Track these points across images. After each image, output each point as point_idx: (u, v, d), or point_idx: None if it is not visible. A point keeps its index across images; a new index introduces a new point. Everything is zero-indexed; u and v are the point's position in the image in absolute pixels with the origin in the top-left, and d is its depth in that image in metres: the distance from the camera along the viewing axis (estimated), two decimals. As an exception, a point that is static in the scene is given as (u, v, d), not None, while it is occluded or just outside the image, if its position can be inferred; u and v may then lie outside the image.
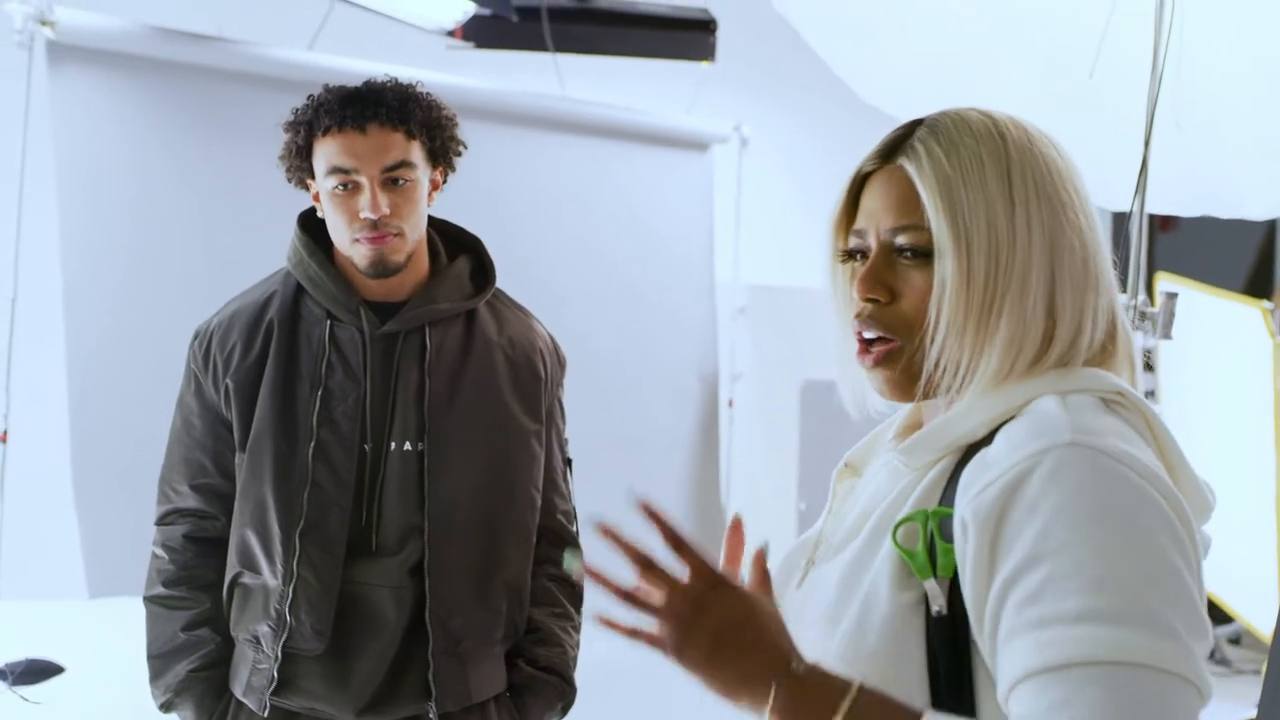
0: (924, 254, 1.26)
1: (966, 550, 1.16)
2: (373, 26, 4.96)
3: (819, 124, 7.01)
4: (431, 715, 2.28)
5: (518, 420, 2.37)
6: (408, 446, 2.28)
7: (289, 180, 2.35)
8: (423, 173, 2.30)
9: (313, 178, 2.30)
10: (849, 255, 1.33)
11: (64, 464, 4.22)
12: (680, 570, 1.20)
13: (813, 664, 1.17)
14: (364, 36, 5.05)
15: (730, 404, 6.33)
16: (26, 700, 3.37)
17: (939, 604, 1.18)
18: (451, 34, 5.17)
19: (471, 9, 5.05)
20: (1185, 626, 1.10)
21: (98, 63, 4.32)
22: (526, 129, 5.47)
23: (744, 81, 6.72)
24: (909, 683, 1.19)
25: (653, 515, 1.19)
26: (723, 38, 5.48)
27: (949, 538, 1.18)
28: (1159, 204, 3.04)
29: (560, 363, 2.49)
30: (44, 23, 4.12)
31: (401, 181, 2.25)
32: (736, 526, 1.32)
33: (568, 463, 2.51)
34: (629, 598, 1.19)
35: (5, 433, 4.26)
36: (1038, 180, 1.25)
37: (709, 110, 6.09)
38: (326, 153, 2.24)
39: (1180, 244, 7.65)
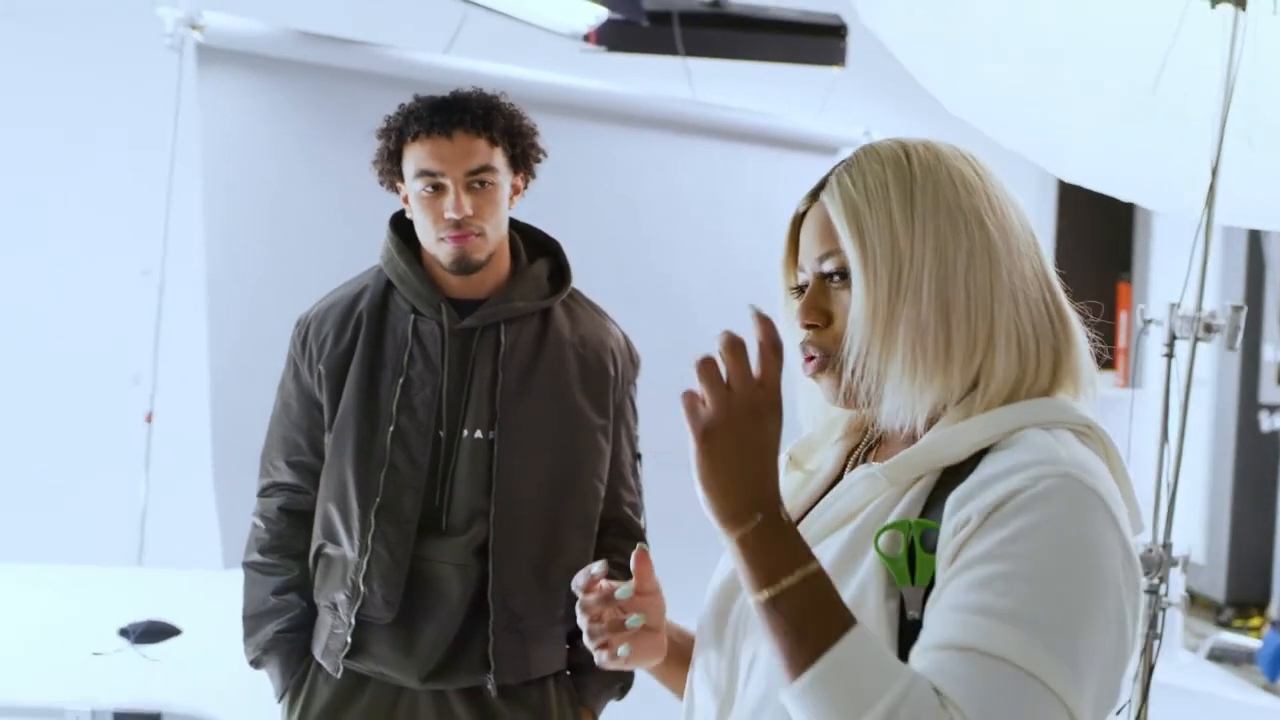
0: (847, 276, 1.35)
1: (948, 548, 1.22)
2: (507, 31, 5.07)
3: (946, 128, 6.91)
4: (490, 686, 2.39)
5: (585, 414, 2.47)
6: (479, 435, 2.39)
7: (380, 183, 2.49)
8: (504, 177, 2.42)
9: (402, 180, 2.44)
10: (798, 290, 1.43)
11: (205, 444, 4.43)
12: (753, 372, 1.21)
13: (792, 522, 1.22)
14: (499, 41, 5.17)
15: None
16: (145, 657, 3.62)
17: (914, 610, 1.23)
18: (585, 38, 5.28)
19: (604, 14, 5.13)
20: (1097, 675, 1.16)
21: (244, 65, 4.52)
22: (658, 132, 5.53)
23: (873, 86, 6.69)
24: None
25: (763, 320, 1.21)
26: (853, 42, 5.51)
27: (930, 549, 1.24)
28: (1231, 216, 3.03)
29: (633, 361, 2.58)
30: (194, 26, 4.33)
31: (484, 185, 2.38)
32: (642, 555, 1.49)
33: (637, 456, 2.59)
34: (706, 368, 1.19)
35: (151, 414, 4.54)
36: (938, 194, 1.32)
37: (838, 114, 6.10)
38: (415, 157, 2.38)
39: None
